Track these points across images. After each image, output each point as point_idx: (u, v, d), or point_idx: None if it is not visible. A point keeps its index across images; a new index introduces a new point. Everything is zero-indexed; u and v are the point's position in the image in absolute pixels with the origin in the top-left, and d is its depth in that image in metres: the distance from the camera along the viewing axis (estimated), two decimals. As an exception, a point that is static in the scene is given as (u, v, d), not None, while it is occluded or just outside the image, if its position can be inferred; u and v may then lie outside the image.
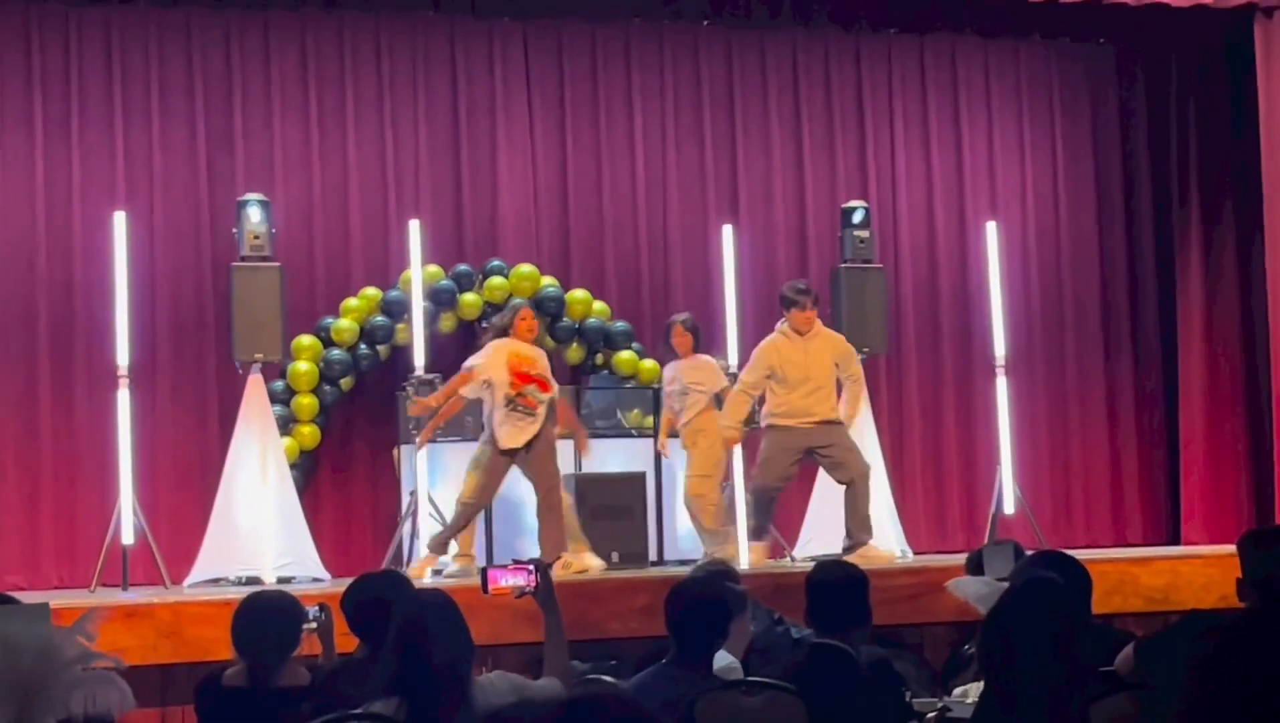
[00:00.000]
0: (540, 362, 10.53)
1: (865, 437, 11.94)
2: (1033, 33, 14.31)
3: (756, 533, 11.05)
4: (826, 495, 11.54)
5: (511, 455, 10.40)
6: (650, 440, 11.71)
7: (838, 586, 5.65)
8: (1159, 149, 14.45)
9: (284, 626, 5.61)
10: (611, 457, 11.17)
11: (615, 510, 11.01)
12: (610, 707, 1.99)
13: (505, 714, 2.09)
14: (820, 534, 11.60)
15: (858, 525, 10.88)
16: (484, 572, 5.55)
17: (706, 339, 11.50)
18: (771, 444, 10.99)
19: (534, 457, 10.39)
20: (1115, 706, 4.56)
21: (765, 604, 7.02)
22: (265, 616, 5.61)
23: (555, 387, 10.59)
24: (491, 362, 10.39)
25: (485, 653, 5.71)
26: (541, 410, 10.38)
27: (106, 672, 3.94)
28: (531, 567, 5.49)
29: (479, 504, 10.57)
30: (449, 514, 10.88)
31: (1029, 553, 6.28)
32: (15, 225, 12.12)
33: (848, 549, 10.70)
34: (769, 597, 7.21)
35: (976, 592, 6.01)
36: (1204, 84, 14.21)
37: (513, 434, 10.33)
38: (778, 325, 11.14)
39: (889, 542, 11.74)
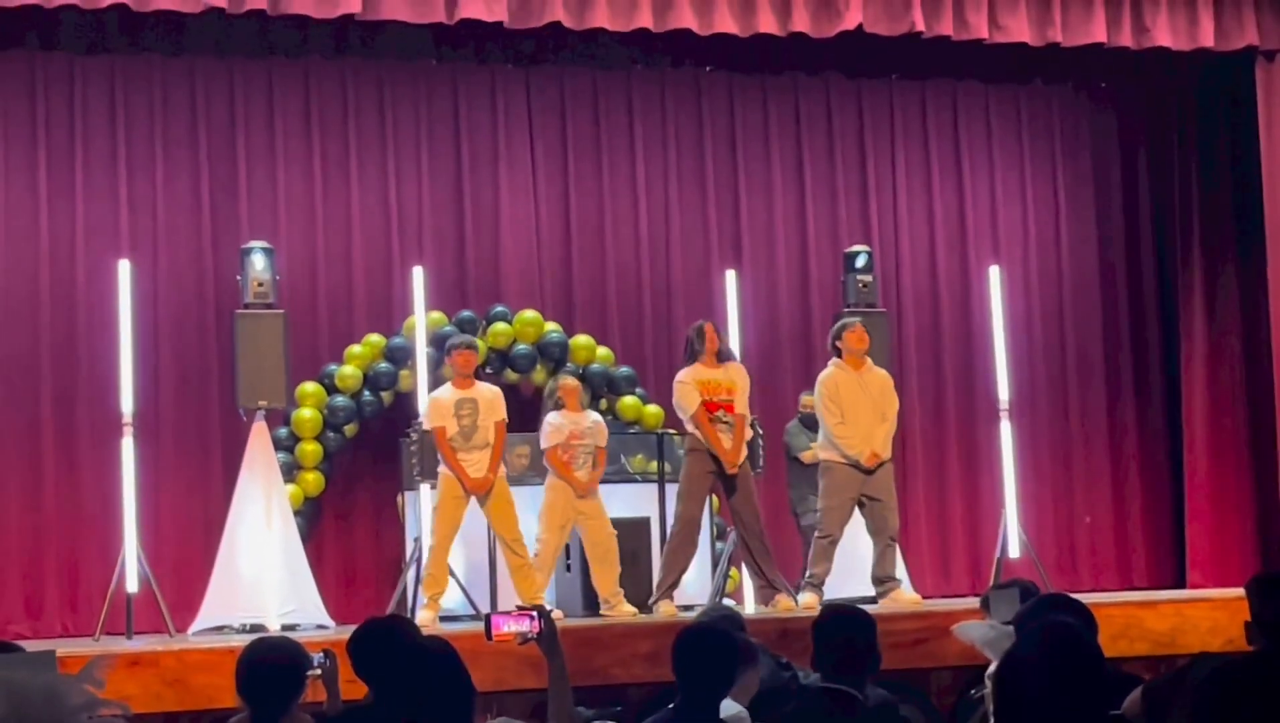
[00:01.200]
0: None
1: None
2: (1034, 78, 14.33)
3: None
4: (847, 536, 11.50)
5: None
6: (654, 486, 11.65)
7: (845, 630, 5.61)
8: (1161, 192, 14.46)
9: (288, 672, 5.57)
10: (616, 502, 11.12)
11: (620, 555, 10.96)
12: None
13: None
14: (838, 577, 11.52)
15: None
16: (488, 618, 5.51)
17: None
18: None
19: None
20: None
21: (771, 649, 6.97)
22: (269, 662, 5.56)
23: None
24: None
25: (489, 700, 5.69)
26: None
27: (113, 719, 3.91)
28: (535, 613, 5.46)
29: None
30: (454, 561, 10.90)
31: (1034, 599, 6.24)
32: (19, 273, 12.13)
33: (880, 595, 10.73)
34: (775, 641, 7.18)
35: (982, 636, 5.97)
36: (1205, 127, 14.21)
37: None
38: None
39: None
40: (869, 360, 11.09)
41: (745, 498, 10.71)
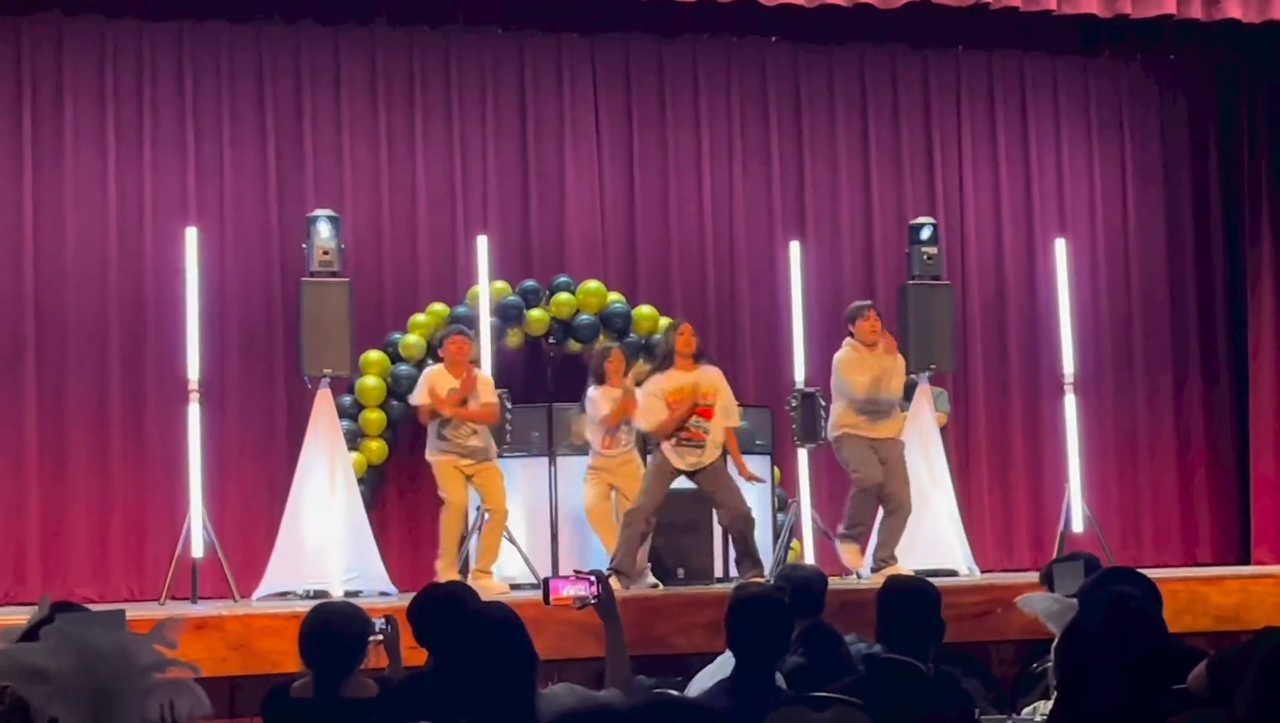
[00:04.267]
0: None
1: (932, 453, 11.88)
2: (1102, 50, 14.21)
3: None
4: (921, 507, 11.46)
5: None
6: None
7: (908, 602, 5.60)
8: (1230, 166, 14.34)
9: (350, 637, 5.60)
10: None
11: (681, 526, 10.97)
12: (684, 712, 1.96)
13: (577, 716, 2.06)
14: (918, 547, 11.49)
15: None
16: (546, 582, 5.54)
17: (772, 354, 11.39)
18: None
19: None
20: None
21: (832, 622, 6.98)
22: (332, 627, 5.60)
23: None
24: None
25: (550, 668, 5.68)
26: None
27: (182, 679, 3.93)
28: (593, 578, 5.48)
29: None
30: (516, 530, 10.97)
31: (1098, 571, 6.21)
32: (88, 241, 12.21)
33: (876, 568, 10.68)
34: (836, 613, 7.16)
35: (1046, 608, 5.95)
36: (1276, 102, 14.07)
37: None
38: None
39: (956, 559, 11.67)
40: (881, 345, 10.97)
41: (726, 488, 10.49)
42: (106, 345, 12.20)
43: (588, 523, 10.95)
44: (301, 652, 5.61)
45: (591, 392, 10.92)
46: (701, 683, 6.29)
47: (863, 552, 10.80)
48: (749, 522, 10.30)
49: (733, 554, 11.19)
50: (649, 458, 10.67)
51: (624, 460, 10.84)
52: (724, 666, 6.29)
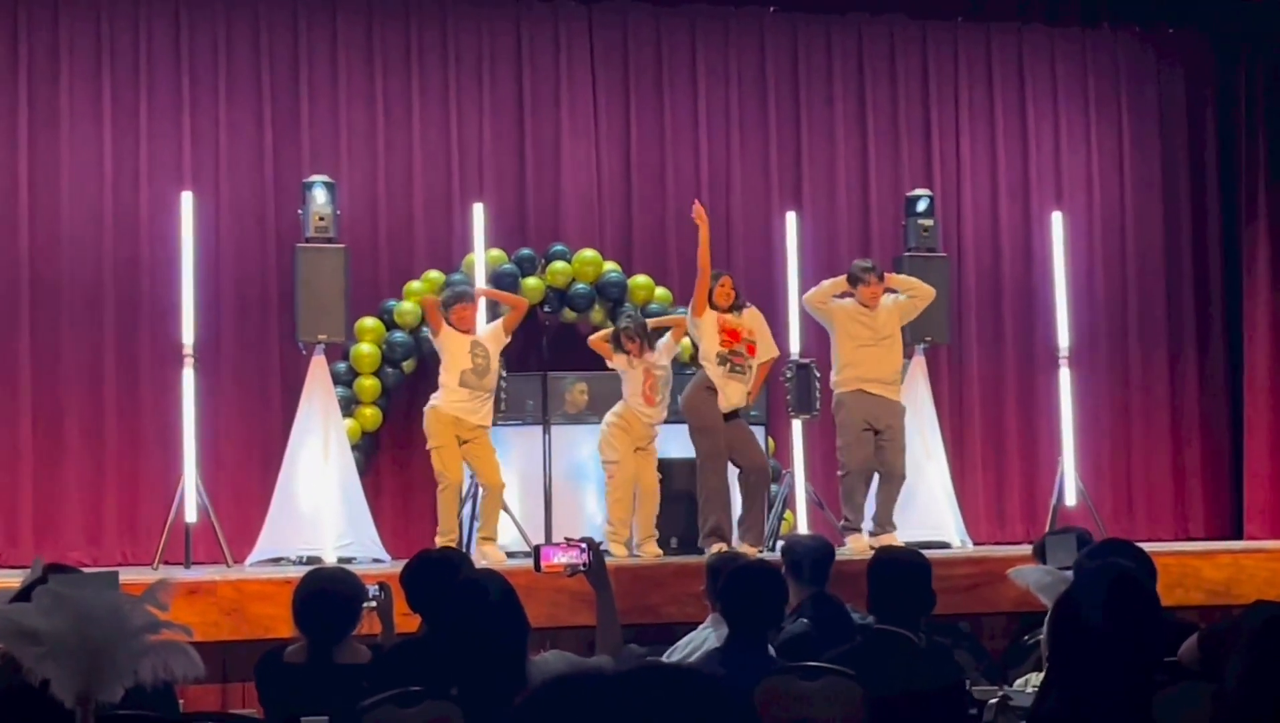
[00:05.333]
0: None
1: (926, 425, 11.89)
2: (1100, 22, 14.20)
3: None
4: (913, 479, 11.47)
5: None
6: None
7: (900, 573, 5.61)
8: (1227, 140, 14.33)
9: (344, 603, 5.62)
10: (674, 442, 11.13)
11: (674, 495, 10.98)
12: (676, 678, 1.96)
13: (567, 681, 2.06)
14: (910, 518, 11.49)
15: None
16: (537, 549, 5.56)
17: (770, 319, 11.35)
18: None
19: None
20: (1179, 696, 4.51)
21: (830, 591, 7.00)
22: (326, 592, 5.61)
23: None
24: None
25: (542, 636, 5.71)
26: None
27: (175, 642, 3.95)
28: (584, 545, 5.49)
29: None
30: (509, 498, 10.98)
31: (1091, 544, 6.22)
32: (83, 205, 12.19)
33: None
34: (834, 583, 7.18)
35: (1039, 581, 5.95)
36: (1275, 75, 14.05)
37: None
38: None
39: (949, 531, 11.69)
40: (882, 302, 10.97)
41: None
42: (101, 310, 12.18)
43: (606, 472, 10.84)
44: (295, 617, 5.63)
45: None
46: (681, 652, 6.30)
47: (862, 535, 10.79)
48: (765, 475, 10.46)
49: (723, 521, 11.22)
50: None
51: (653, 433, 10.80)
52: (703, 635, 6.31)
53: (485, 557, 10.22)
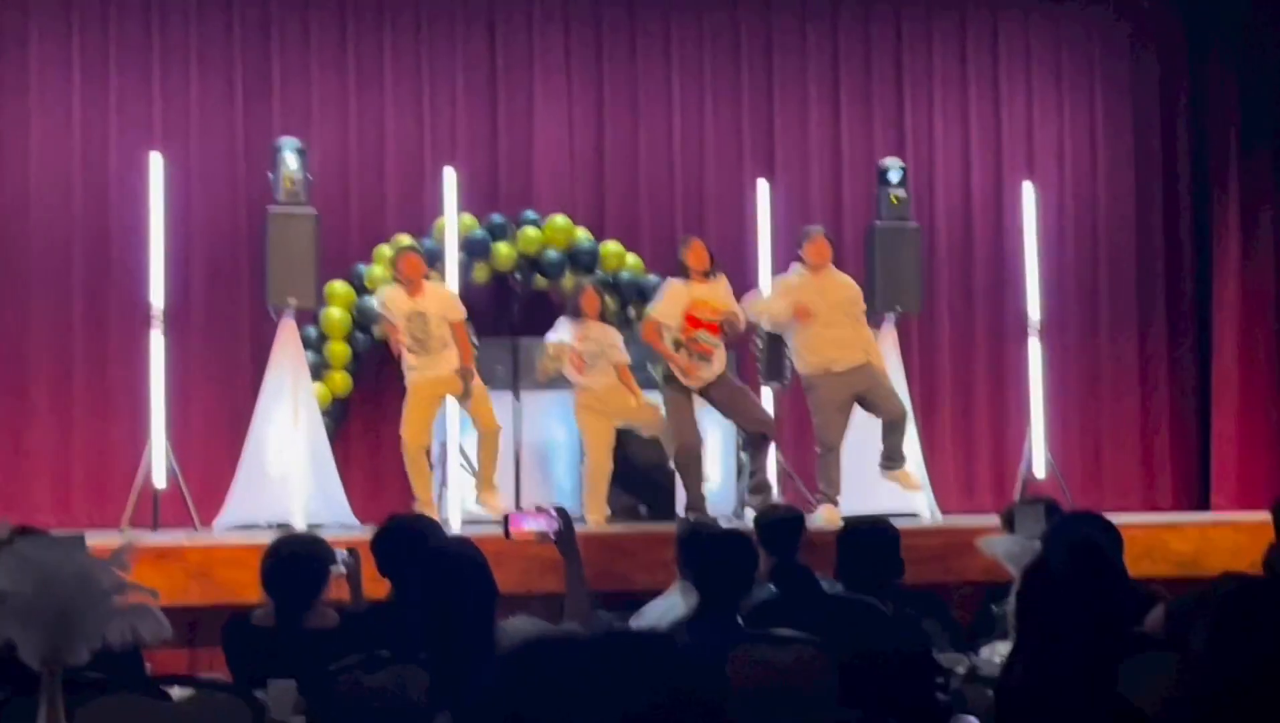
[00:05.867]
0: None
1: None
2: (1075, -3, 14.22)
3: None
4: (853, 450, 11.50)
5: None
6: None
7: (868, 542, 5.63)
8: (1200, 115, 14.33)
9: (312, 567, 5.61)
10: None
11: (646, 465, 10.99)
12: (647, 644, 1.96)
13: (534, 647, 2.06)
14: (848, 490, 11.52)
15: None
16: (506, 517, 5.57)
17: (738, 294, 11.34)
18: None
19: None
20: (1145, 665, 4.53)
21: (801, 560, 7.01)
22: (293, 557, 5.61)
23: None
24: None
25: (511, 602, 5.70)
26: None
27: (143, 605, 3.94)
28: (553, 512, 5.50)
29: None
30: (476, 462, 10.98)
31: (1061, 513, 6.24)
32: (52, 166, 12.14)
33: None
34: (804, 552, 7.19)
35: (1007, 550, 5.98)
36: (1248, 52, 14.05)
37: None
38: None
39: (918, 501, 11.71)
40: (832, 266, 10.94)
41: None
42: (69, 272, 12.14)
43: (589, 455, 10.86)
44: (263, 581, 5.62)
45: (562, 322, 10.88)
46: (648, 620, 6.31)
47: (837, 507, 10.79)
48: (770, 427, 10.48)
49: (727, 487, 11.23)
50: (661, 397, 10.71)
51: (609, 387, 10.77)
52: (669, 602, 6.32)
53: (486, 505, 10.23)
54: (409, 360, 10.57)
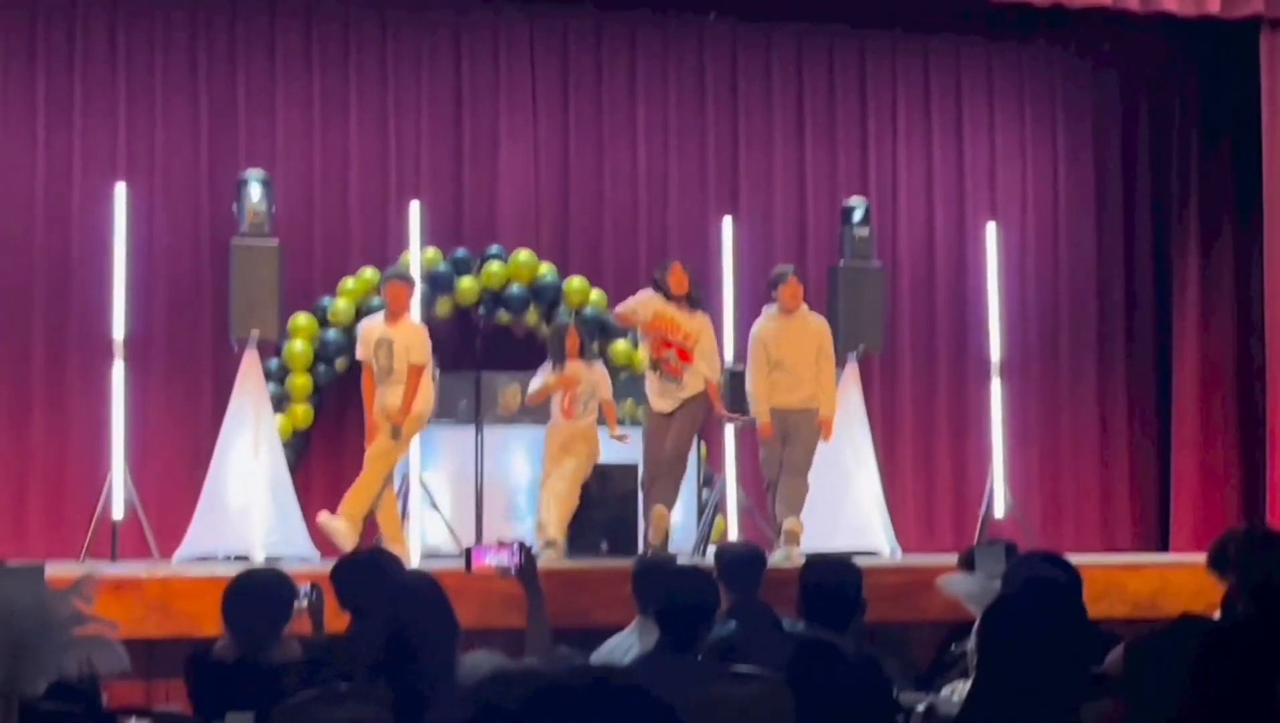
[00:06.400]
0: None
1: (857, 434, 11.93)
2: (1037, 37, 14.29)
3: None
4: (818, 487, 11.52)
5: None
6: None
7: (830, 580, 5.63)
8: (1160, 157, 14.43)
9: (275, 602, 5.59)
10: (605, 447, 11.12)
11: (607, 499, 10.97)
12: (609, 681, 1.97)
13: (495, 682, 2.06)
14: (811, 527, 11.52)
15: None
16: (468, 551, 5.56)
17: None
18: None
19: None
20: (1104, 707, 4.54)
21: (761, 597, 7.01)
22: (257, 591, 5.59)
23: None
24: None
25: (471, 637, 5.69)
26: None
27: (100, 636, 3.92)
28: (515, 547, 5.50)
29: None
30: (440, 498, 10.95)
31: (1021, 553, 6.26)
32: (15, 195, 12.10)
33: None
34: (764, 590, 7.19)
35: (967, 590, 5.99)
36: (1207, 95, 14.17)
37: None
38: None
39: (879, 539, 11.72)
40: (804, 307, 10.93)
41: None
42: (31, 302, 12.09)
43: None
44: (225, 616, 5.59)
45: (545, 368, 10.85)
46: (604, 657, 6.30)
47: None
48: (674, 470, 10.42)
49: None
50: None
51: (586, 425, 10.74)
52: (628, 641, 6.31)
53: (326, 526, 10.19)
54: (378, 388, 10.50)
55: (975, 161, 14.22)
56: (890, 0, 12.75)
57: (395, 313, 10.49)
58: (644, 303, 10.53)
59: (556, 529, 10.41)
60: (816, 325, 10.85)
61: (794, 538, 10.34)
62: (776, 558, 9.97)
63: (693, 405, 10.50)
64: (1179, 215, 14.20)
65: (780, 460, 10.65)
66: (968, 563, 6.79)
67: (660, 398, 10.46)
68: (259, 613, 5.51)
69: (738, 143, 13.71)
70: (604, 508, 10.95)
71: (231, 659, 5.48)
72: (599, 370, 10.90)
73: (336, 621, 6.01)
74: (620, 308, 10.72)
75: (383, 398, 10.37)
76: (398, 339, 10.42)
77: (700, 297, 10.80)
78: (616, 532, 11.00)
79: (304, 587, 5.95)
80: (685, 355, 10.45)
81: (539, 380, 10.71)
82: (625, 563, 9.98)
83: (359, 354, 10.66)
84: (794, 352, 10.66)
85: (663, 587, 5.51)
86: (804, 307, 10.85)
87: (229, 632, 5.59)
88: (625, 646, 6.34)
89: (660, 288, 10.55)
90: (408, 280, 10.73)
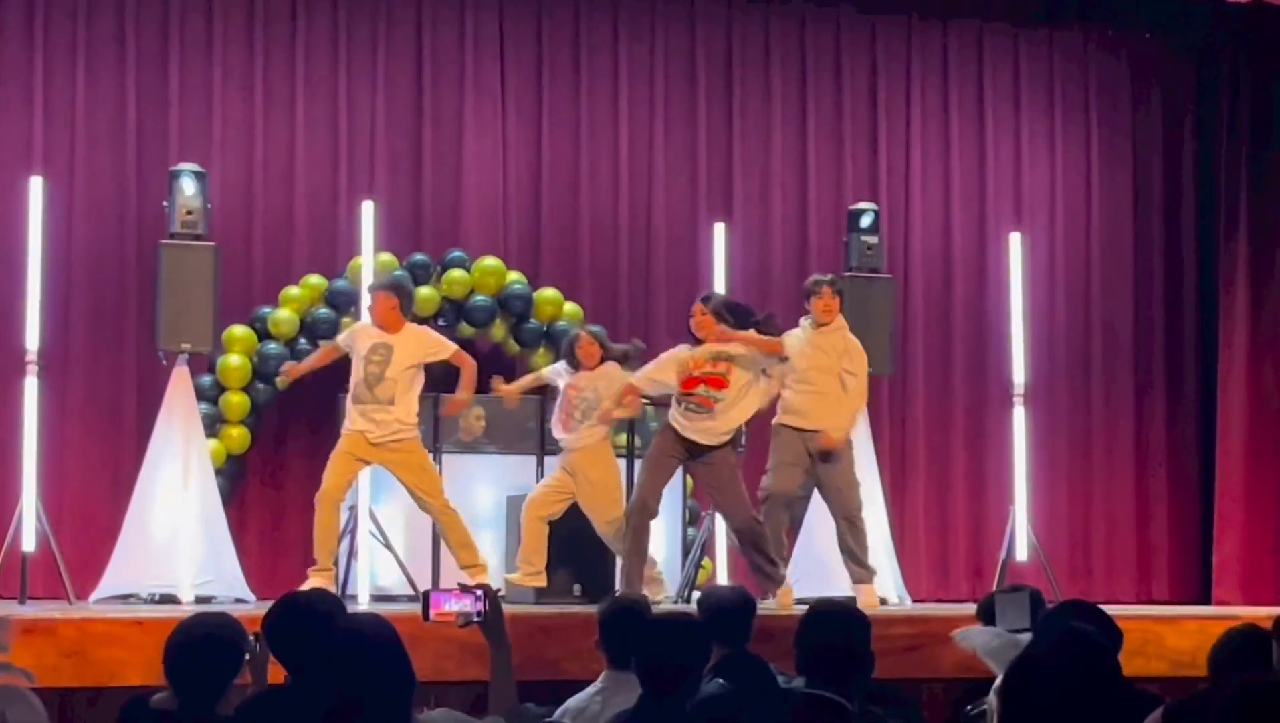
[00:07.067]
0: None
1: (863, 466, 11.90)
2: (1069, 21, 14.32)
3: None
4: (811, 530, 11.52)
5: None
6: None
7: (834, 630, 5.60)
8: (1207, 157, 14.44)
9: (226, 654, 5.55)
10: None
11: (579, 539, 10.94)
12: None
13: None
14: (812, 571, 11.54)
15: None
16: (426, 595, 5.53)
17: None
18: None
19: None
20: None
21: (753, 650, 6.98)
22: (209, 639, 5.54)
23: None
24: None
25: (427, 691, 5.67)
26: None
27: (14, 686, 3.90)
28: (479, 592, 5.47)
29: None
30: (393, 535, 10.93)
31: (1052, 603, 6.24)
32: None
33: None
34: (756, 641, 7.17)
35: (986, 644, 5.99)
36: (1259, 86, 14.17)
37: None
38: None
39: (885, 586, 11.71)
40: (838, 323, 10.94)
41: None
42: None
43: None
44: (167, 667, 5.55)
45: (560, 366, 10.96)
46: (569, 715, 6.27)
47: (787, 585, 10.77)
48: (758, 527, 10.44)
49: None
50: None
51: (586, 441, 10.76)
52: (593, 700, 6.28)
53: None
54: (349, 402, 10.44)
55: (999, 162, 14.23)
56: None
57: (389, 327, 10.46)
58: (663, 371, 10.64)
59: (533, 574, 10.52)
60: (843, 346, 10.86)
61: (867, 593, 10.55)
62: (770, 604, 9.98)
63: (726, 457, 10.62)
64: (1227, 225, 14.20)
65: (788, 474, 10.69)
66: (987, 614, 6.78)
67: (688, 423, 10.49)
68: (207, 666, 5.47)
69: (732, 137, 13.71)
70: (578, 548, 10.92)
71: (172, 710, 5.44)
72: (616, 372, 10.85)
73: (277, 670, 5.97)
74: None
75: (365, 417, 10.31)
76: (399, 346, 10.41)
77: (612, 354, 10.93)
78: (592, 573, 10.98)
79: (249, 638, 5.91)
80: (718, 382, 10.49)
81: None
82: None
83: (338, 340, 10.65)
84: (819, 369, 10.71)
85: (646, 637, 5.48)
86: (839, 321, 10.86)
87: (172, 683, 5.55)
88: (590, 708, 6.31)
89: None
90: (398, 289, 10.67)
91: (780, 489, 10.72)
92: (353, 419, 10.31)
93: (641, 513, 10.47)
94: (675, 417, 10.51)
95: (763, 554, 10.47)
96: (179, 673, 5.41)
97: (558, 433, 10.85)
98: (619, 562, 10.75)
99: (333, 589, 9.90)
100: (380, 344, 10.36)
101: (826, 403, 10.72)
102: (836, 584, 10.94)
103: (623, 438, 11.90)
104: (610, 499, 10.72)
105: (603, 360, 10.83)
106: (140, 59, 12.59)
